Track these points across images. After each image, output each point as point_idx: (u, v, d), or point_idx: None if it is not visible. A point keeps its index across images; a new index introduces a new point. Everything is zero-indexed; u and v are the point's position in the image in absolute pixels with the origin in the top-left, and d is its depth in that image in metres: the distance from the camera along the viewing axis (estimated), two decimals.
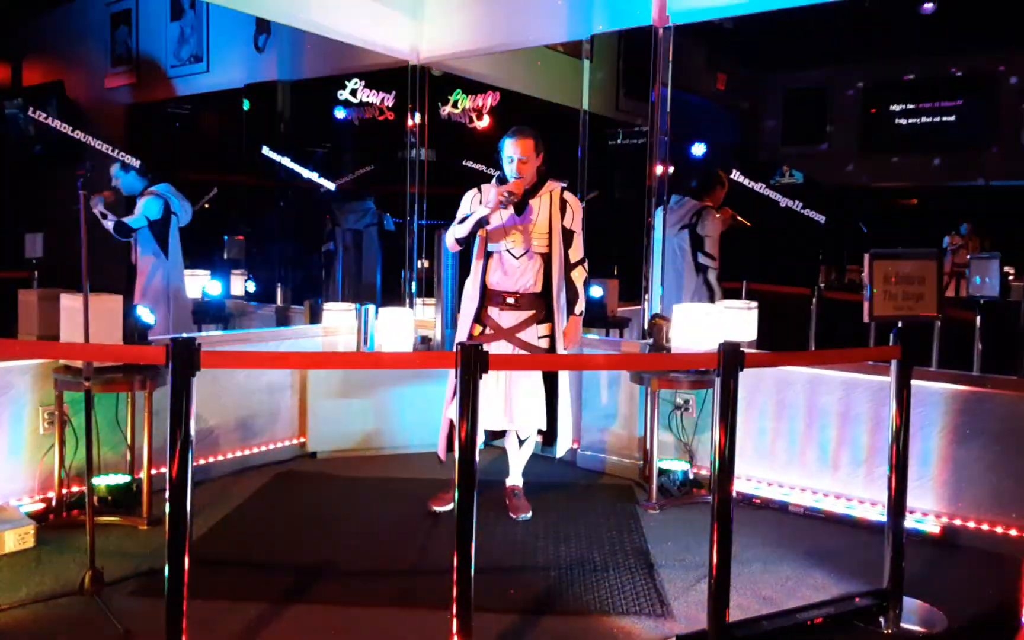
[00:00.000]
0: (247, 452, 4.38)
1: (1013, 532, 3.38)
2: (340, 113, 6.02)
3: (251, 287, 6.19)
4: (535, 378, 3.62)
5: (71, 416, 3.48)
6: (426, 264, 5.38)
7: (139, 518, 3.47)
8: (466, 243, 3.69)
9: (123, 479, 3.67)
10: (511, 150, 3.54)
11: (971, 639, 2.73)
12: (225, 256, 6.26)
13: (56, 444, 3.45)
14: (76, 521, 3.39)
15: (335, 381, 4.63)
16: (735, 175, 4.45)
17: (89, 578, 2.72)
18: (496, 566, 3.15)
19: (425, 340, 5.01)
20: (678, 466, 4.19)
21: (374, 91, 5.85)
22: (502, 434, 3.82)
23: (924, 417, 3.55)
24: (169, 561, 2.12)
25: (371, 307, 4.80)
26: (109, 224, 4.71)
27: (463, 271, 3.83)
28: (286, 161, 5.43)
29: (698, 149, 5.74)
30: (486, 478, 3.95)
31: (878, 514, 3.58)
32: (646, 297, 4.46)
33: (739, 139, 9.68)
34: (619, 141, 7.53)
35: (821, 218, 4.32)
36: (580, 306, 3.67)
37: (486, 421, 3.59)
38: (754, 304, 4.40)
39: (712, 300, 5.08)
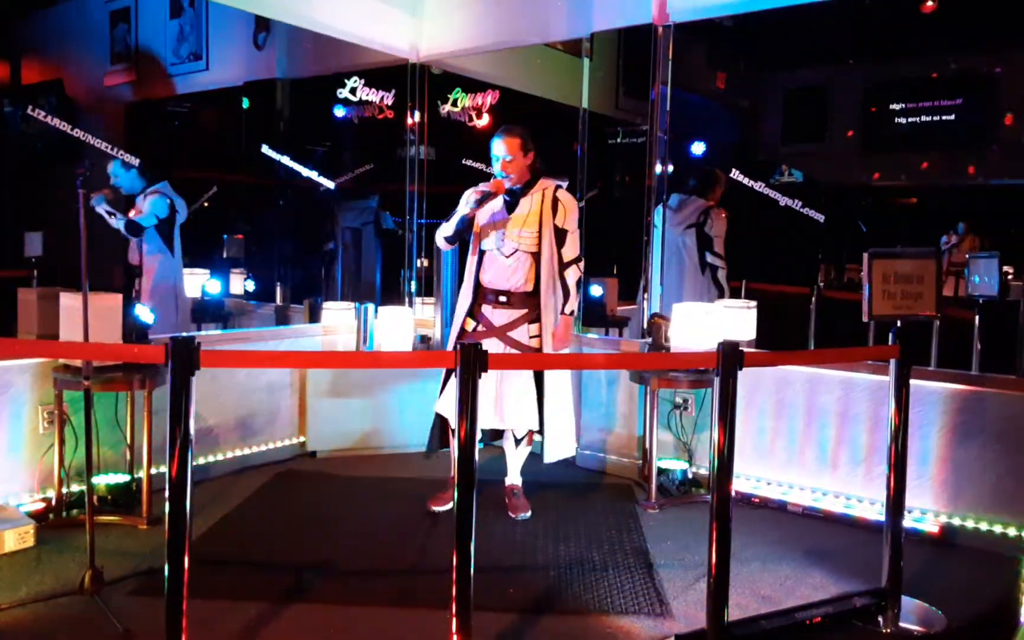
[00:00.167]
0: (247, 451, 4.38)
1: (1012, 531, 3.39)
2: (340, 111, 6.02)
3: (250, 286, 6.18)
4: (526, 377, 3.61)
5: (71, 415, 3.48)
6: (425, 263, 5.38)
7: (139, 517, 3.48)
8: (456, 241, 3.71)
9: (123, 478, 3.68)
10: (496, 149, 3.57)
11: (970, 638, 2.73)
12: (224, 255, 6.26)
13: (56, 443, 3.45)
14: (76, 520, 3.39)
15: (335, 380, 4.63)
16: (735, 174, 4.45)
17: (89, 577, 2.72)
18: (495, 565, 3.15)
19: (424, 339, 5.01)
20: (677, 465, 4.19)
21: (374, 89, 5.85)
22: (501, 434, 3.82)
23: (923, 416, 3.55)
24: (169, 560, 2.12)
25: (370, 306, 4.80)
26: (119, 223, 4.70)
27: (463, 270, 3.84)
28: (286, 159, 5.43)
29: (698, 148, 5.74)
30: (485, 477, 3.94)
31: (877, 513, 3.59)
32: (645, 296, 4.46)
33: (739, 138, 9.67)
34: (619, 140, 7.53)
35: (820, 217, 4.32)
36: (571, 305, 3.64)
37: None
38: (753, 303, 4.40)
39: (722, 298, 5.08)
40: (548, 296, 3.59)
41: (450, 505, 3.55)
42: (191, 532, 2.16)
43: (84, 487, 2.90)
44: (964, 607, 2.87)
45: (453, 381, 3.68)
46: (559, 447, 3.73)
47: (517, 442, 3.78)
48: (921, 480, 3.56)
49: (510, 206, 3.61)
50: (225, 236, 6.30)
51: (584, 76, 4.75)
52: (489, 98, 5.95)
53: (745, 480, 4.03)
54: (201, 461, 4.12)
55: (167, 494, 2.13)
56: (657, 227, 4.40)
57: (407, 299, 5.38)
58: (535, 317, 3.62)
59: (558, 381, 3.70)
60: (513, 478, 3.85)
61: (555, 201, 3.61)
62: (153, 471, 3.51)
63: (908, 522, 3.24)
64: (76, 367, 3.33)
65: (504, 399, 3.57)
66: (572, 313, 3.66)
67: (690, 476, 4.15)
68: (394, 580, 3.07)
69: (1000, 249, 4.76)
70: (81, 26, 7.79)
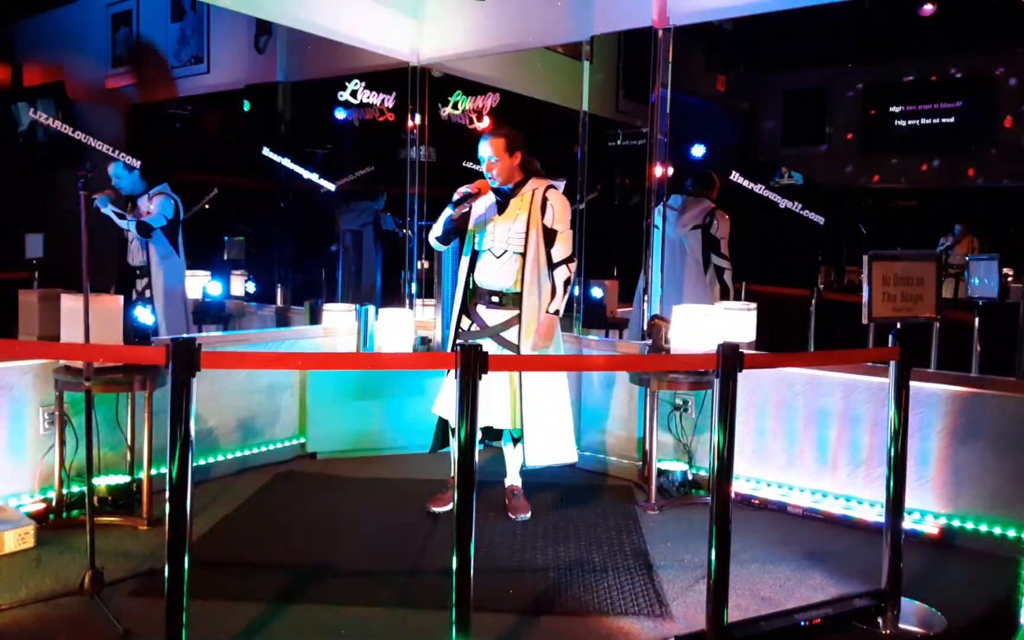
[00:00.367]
0: (247, 452, 4.38)
1: (1011, 532, 3.39)
2: (340, 114, 6.04)
3: (251, 288, 6.20)
4: (507, 379, 3.58)
5: (71, 416, 3.49)
6: (426, 265, 5.39)
7: (139, 518, 3.48)
8: (448, 241, 3.73)
9: (123, 479, 3.68)
10: (482, 150, 3.59)
11: None
12: (225, 257, 6.27)
13: (56, 444, 3.45)
14: (76, 521, 3.39)
15: (335, 382, 4.63)
16: (735, 176, 4.45)
17: (89, 578, 2.72)
18: (495, 566, 3.16)
19: (425, 341, 5.01)
20: (677, 467, 4.19)
21: (374, 92, 5.87)
22: (499, 434, 3.83)
23: (923, 418, 3.55)
24: (169, 561, 2.12)
25: (371, 308, 4.81)
26: (129, 225, 4.71)
27: None
28: (286, 162, 5.44)
29: (698, 150, 5.75)
30: (485, 478, 3.95)
31: (877, 515, 3.59)
32: (645, 298, 4.46)
33: (739, 140, 9.69)
34: (619, 142, 7.55)
35: (820, 219, 4.32)
36: (556, 304, 3.59)
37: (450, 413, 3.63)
38: (753, 305, 4.40)
39: (727, 299, 5.08)
40: (531, 296, 3.57)
41: (450, 506, 3.55)
42: (191, 533, 2.17)
43: (84, 488, 2.90)
44: (964, 608, 2.87)
45: (450, 381, 3.70)
46: (549, 452, 3.65)
47: (516, 443, 3.78)
48: (921, 482, 3.56)
49: (501, 207, 3.63)
50: (226, 238, 6.31)
51: (584, 79, 4.76)
52: (490, 101, 5.97)
53: (745, 482, 4.04)
54: (201, 462, 4.12)
55: (167, 495, 2.14)
56: (657, 229, 4.40)
57: (407, 301, 5.38)
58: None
59: (548, 384, 3.64)
60: (513, 479, 3.85)
61: (544, 201, 3.61)
62: (153, 472, 3.52)
63: (908, 524, 3.24)
64: (77, 368, 3.34)
65: (491, 396, 3.55)
66: (557, 312, 3.60)
67: (690, 478, 4.16)
68: (394, 581, 3.07)
69: (1000, 251, 4.76)
70: (82, 29, 7.81)
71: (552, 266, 3.60)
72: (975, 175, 8.44)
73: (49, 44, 8.11)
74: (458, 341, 3.65)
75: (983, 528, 3.45)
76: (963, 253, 7.44)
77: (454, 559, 2.23)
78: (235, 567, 3.13)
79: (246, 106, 6.47)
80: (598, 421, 4.50)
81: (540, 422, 3.61)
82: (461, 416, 2.24)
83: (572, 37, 4.84)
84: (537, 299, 3.57)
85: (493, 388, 3.55)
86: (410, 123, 5.37)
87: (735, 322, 4.21)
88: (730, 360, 2.43)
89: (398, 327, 4.75)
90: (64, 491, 3.48)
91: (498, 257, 3.61)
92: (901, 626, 2.72)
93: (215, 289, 5.76)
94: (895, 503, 2.75)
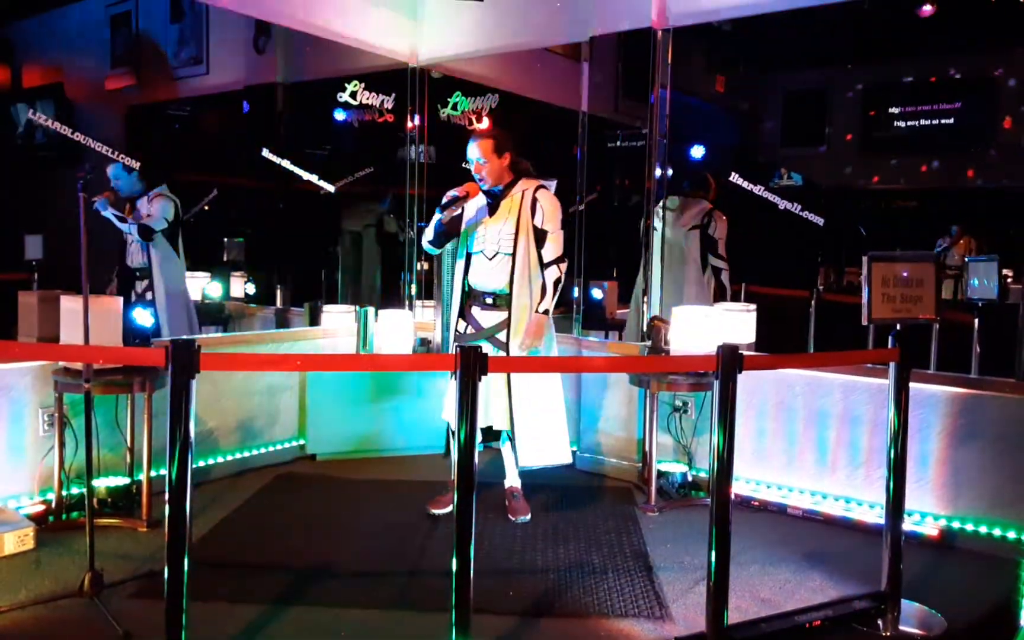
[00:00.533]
0: (246, 454, 4.38)
1: (1011, 534, 3.39)
2: (340, 115, 6.03)
3: (251, 289, 6.19)
4: (502, 377, 3.57)
5: (71, 418, 3.49)
6: (425, 266, 5.38)
7: (139, 520, 3.48)
8: (441, 244, 3.72)
9: (123, 481, 3.68)
10: (470, 152, 3.58)
11: None
12: (225, 258, 6.26)
13: (56, 446, 3.45)
14: (76, 523, 3.39)
15: (335, 383, 4.63)
16: (734, 177, 4.45)
17: (89, 580, 2.72)
18: (495, 568, 3.15)
19: (425, 342, 5.01)
20: (677, 468, 4.19)
21: (374, 93, 5.86)
22: (497, 435, 3.82)
23: (922, 419, 3.55)
24: (169, 563, 2.12)
25: (370, 309, 4.81)
26: (131, 228, 4.70)
27: None
28: (286, 163, 5.43)
29: (697, 151, 5.75)
30: (485, 480, 3.95)
31: (876, 516, 3.59)
32: (645, 299, 4.46)
33: (738, 141, 9.69)
34: (618, 143, 7.55)
35: (820, 220, 4.32)
36: (546, 304, 3.58)
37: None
38: (753, 306, 4.40)
39: (725, 299, 5.08)
40: (521, 296, 3.56)
41: (449, 508, 3.55)
42: (191, 534, 2.16)
43: (84, 489, 2.90)
44: (964, 610, 2.87)
45: (452, 383, 3.70)
46: (542, 453, 3.64)
47: (513, 443, 3.77)
48: (921, 483, 3.56)
49: (491, 208, 3.62)
50: (225, 239, 6.31)
51: (584, 80, 4.76)
52: (489, 101, 5.96)
53: (745, 483, 4.04)
54: (201, 463, 4.12)
55: (167, 496, 2.13)
56: (657, 230, 4.40)
57: (407, 302, 5.38)
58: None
59: (539, 384, 3.63)
60: (512, 480, 3.85)
61: (534, 202, 3.60)
62: (153, 473, 3.52)
63: (908, 525, 3.24)
64: (76, 370, 3.34)
65: (485, 397, 3.54)
66: (547, 312, 3.59)
67: (690, 479, 4.16)
68: (394, 582, 3.07)
69: (999, 252, 4.76)
70: (82, 30, 7.81)
71: (543, 266, 3.60)
72: (975, 176, 8.44)
73: (48, 45, 8.11)
74: (455, 344, 3.66)
75: (983, 530, 3.45)
76: (960, 254, 7.46)
77: (454, 560, 2.23)
78: (235, 569, 3.13)
79: (245, 107, 6.47)
80: (598, 422, 4.50)
81: (531, 423, 3.60)
82: (461, 417, 2.24)
83: (571, 38, 4.84)
84: (527, 299, 3.57)
85: (490, 389, 3.55)
86: (409, 124, 5.37)
87: (735, 323, 4.21)
88: (730, 361, 2.43)
89: (398, 328, 4.75)
90: (64, 493, 3.48)
91: (490, 259, 3.61)
92: (901, 628, 2.72)
93: (215, 290, 5.76)
94: (895, 504, 2.75)
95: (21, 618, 2.66)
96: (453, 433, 3.74)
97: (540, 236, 3.59)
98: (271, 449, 4.51)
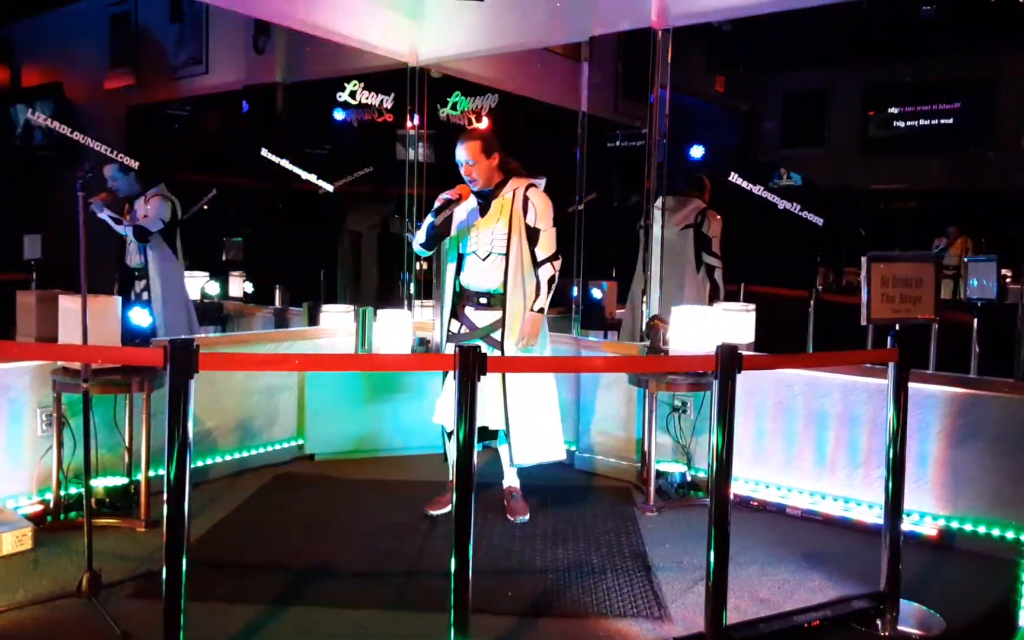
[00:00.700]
0: (245, 454, 4.37)
1: (1010, 534, 3.38)
2: (339, 115, 6.03)
3: (249, 288, 6.19)
4: (495, 377, 3.57)
5: (69, 418, 3.48)
6: (424, 266, 5.38)
7: (137, 520, 3.47)
8: (432, 247, 3.71)
9: (121, 481, 3.68)
10: (458, 155, 3.57)
11: None
12: (224, 257, 6.26)
13: (54, 446, 3.45)
14: (74, 523, 3.38)
15: (334, 383, 4.63)
16: (733, 177, 4.45)
17: (87, 580, 2.72)
18: (494, 568, 3.15)
19: (423, 342, 5.01)
20: (676, 468, 4.19)
21: (373, 93, 5.86)
22: (494, 434, 3.82)
23: (921, 419, 3.55)
24: (167, 563, 2.11)
25: (369, 309, 4.80)
26: (127, 230, 4.70)
27: None
28: (285, 163, 5.43)
29: (697, 151, 5.75)
30: (483, 480, 3.94)
31: (875, 516, 3.59)
32: (644, 298, 4.45)
33: (738, 141, 9.68)
34: (618, 143, 7.54)
35: (819, 220, 4.32)
36: (541, 302, 3.58)
37: (451, 419, 3.63)
38: (752, 306, 4.40)
39: (717, 297, 5.09)
40: (515, 295, 3.56)
41: (447, 509, 3.55)
42: (189, 534, 2.16)
43: (82, 489, 2.90)
44: (963, 610, 2.87)
45: (448, 384, 3.70)
46: (536, 450, 3.65)
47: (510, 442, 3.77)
48: (920, 483, 3.56)
49: (483, 209, 3.62)
50: (224, 239, 6.30)
51: (583, 80, 4.76)
52: (488, 101, 5.96)
53: (744, 483, 4.03)
54: (199, 463, 4.11)
55: (165, 496, 2.13)
56: (653, 229, 4.40)
57: (406, 302, 5.38)
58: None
59: (533, 383, 3.63)
60: (511, 480, 3.85)
61: (526, 200, 3.60)
62: (151, 473, 3.51)
63: (907, 525, 3.24)
64: (75, 369, 3.33)
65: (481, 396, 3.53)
66: (542, 310, 3.60)
67: (688, 479, 4.15)
68: (392, 583, 3.07)
69: (998, 252, 4.76)
70: (81, 30, 7.80)
71: (536, 265, 3.60)
72: (974, 176, 8.44)
73: (48, 45, 8.10)
74: (448, 344, 3.66)
75: (982, 530, 3.44)
76: (956, 254, 7.46)
77: (452, 561, 2.22)
78: (233, 569, 3.13)
79: (245, 107, 6.47)
80: (597, 422, 4.50)
81: (525, 421, 3.61)
82: (460, 418, 2.24)
83: (571, 38, 4.84)
84: (521, 298, 3.57)
85: (487, 389, 3.54)
86: (409, 124, 5.36)
87: (734, 323, 4.21)
88: (729, 361, 2.43)
89: (396, 328, 4.75)
90: (62, 493, 3.47)
91: (483, 259, 3.60)
92: (900, 628, 2.72)
93: (213, 290, 5.76)
94: (894, 505, 2.74)
95: (19, 618, 2.65)
96: (450, 435, 3.76)
97: (533, 234, 3.59)
98: (270, 449, 4.51)
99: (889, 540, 2.75)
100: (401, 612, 2.81)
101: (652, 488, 3.97)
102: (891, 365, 2.73)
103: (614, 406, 4.43)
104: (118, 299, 3.55)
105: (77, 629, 2.60)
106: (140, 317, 3.67)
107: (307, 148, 6.13)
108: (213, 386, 4.14)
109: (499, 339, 3.58)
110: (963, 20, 7.16)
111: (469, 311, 3.67)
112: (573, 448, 4.58)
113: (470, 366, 2.23)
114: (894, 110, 8.98)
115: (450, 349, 3.66)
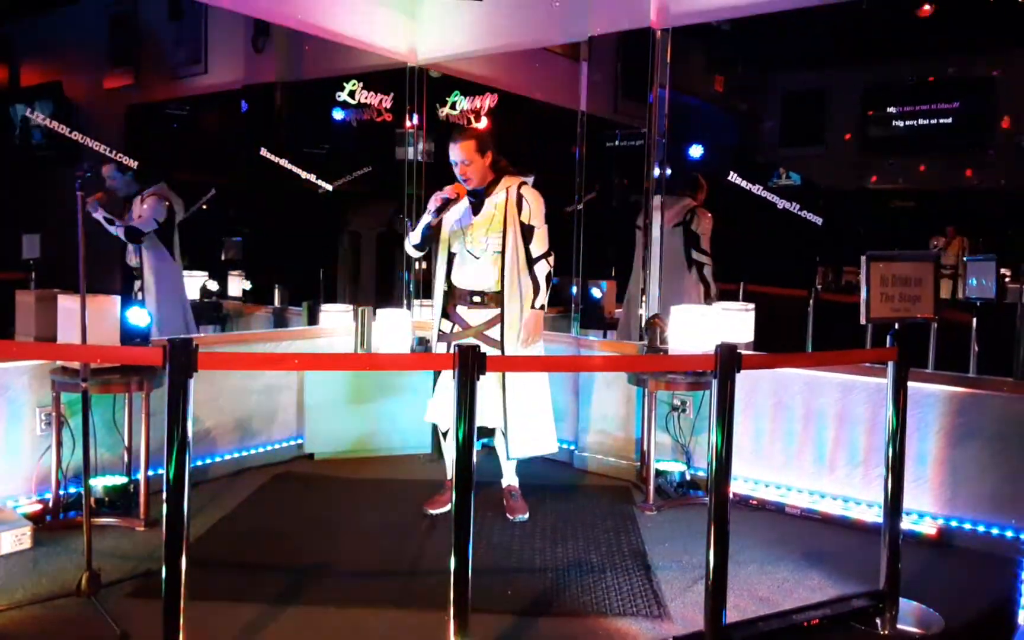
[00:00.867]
0: (244, 453, 4.38)
1: (1009, 533, 3.39)
2: (338, 114, 6.02)
3: (248, 287, 6.19)
4: (492, 374, 3.59)
5: (68, 417, 3.48)
6: (424, 266, 5.38)
7: (136, 519, 3.47)
8: (425, 248, 3.71)
9: (120, 480, 3.67)
10: (452, 154, 3.56)
11: None
12: (223, 257, 6.26)
13: (53, 445, 3.45)
14: (73, 522, 3.38)
15: (333, 382, 4.63)
16: (732, 177, 4.45)
17: (86, 579, 2.71)
18: (493, 567, 3.15)
19: (423, 341, 5.01)
20: (675, 467, 4.19)
21: (372, 92, 5.85)
22: (492, 433, 3.82)
23: (920, 418, 3.55)
24: (166, 562, 2.11)
25: (368, 309, 4.80)
26: (119, 230, 4.69)
27: None
28: (284, 162, 5.43)
29: (696, 151, 5.75)
30: (482, 479, 3.94)
31: (875, 515, 3.59)
32: (643, 298, 4.45)
33: (737, 141, 9.69)
34: (617, 142, 7.54)
35: (818, 220, 4.32)
36: (541, 299, 3.60)
37: (444, 418, 3.66)
38: (751, 305, 4.40)
39: (709, 294, 5.09)
40: (513, 294, 3.57)
41: (447, 508, 3.55)
42: (188, 534, 2.15)
43: (81, 489, 2.89)
44: (962, 609, 2.87)
45: (442, 383, 3.69)
46: (531, 444, 3.68)
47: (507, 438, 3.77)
48: (919, 482, 3.56)
49: (476, 208, 3.62)
50: (223, 238, 6.30)
51: (582, 79, 4.75)
52: (488, 101, 5.96)
53: (743, 482, 4.04)
54: (199, 463, 4.11)
55: (164, 496, 2.13)
56: (639, 229, 4.40)
57: (405, 302, 5.38)
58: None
59: (530, 379, 3.65)
60: (510, 479, 3.85)
61: (519, 198, 3.60)
62: (151, 473, 3.51)
63: (906, 524, 3.25)
64: (74, 369, 3.33)
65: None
66: (542, 307, 3.61)
67: (688, 478, 4.16)
68: (392, 582, 3.07)
69: (997, 252, 4.76)
70: (81, 29, 7.79)
71: (532, 262, 3.60)
72: (973, 176, 8.45)
73: (48, 44, 8.09)
74: (440, 344, 3.66)
75: (981, 528, 3.45)
76: (953, 254, 7.47)
77: (452, 560, 2.22)
78: (233, 568, 3.13)
79: (244, 106, 6.47)
80: (596, 421, 4.50)
81: (524, 417, 3.63)
82: (459, 417, 2.23)
83: (570, 37, 4.83)
84: (519, 297, 3.58)
85: (484, 388, 3.54)
86: (408, 123, 5.36)
87: (733, 322, 4.21)
88: (728, 361, 2.43)
89: (396, 328, 4.75)
90: (61, 492, 3.47)
91: (478, 258, 3.61)
92: (899, 626, 2.72)
93: (214, 286, 5.76)
94: (893, 503, 2.75)
95: (18, 618, 2.65)
96: (444, 434, 3.77)
97: (527, 232, 3.60)
98: (269, 448, 4.51)
99: (888, 539, 2.75)
100: (401, 611, 2.81)
101: (651, 487, 3.97)
102: (890, 364, 2.73)
103: (613, 405, 4.43)
104: (117, 298, 3.55)
105: (76, 629, 2.60)
106: (138, 316, 3.66)
107: (306, 148, 6.12)
108: (212, 385, 4.14)
109: (497, 338, 3.58)
110: (962, 20, 7.16)
111: (462, 310, 3.67)
112: (572, 447, 4.58)
113: (470, 366, 2.23)
114: (893, 110, 8.98)
115: (441, 349, 3.66)
